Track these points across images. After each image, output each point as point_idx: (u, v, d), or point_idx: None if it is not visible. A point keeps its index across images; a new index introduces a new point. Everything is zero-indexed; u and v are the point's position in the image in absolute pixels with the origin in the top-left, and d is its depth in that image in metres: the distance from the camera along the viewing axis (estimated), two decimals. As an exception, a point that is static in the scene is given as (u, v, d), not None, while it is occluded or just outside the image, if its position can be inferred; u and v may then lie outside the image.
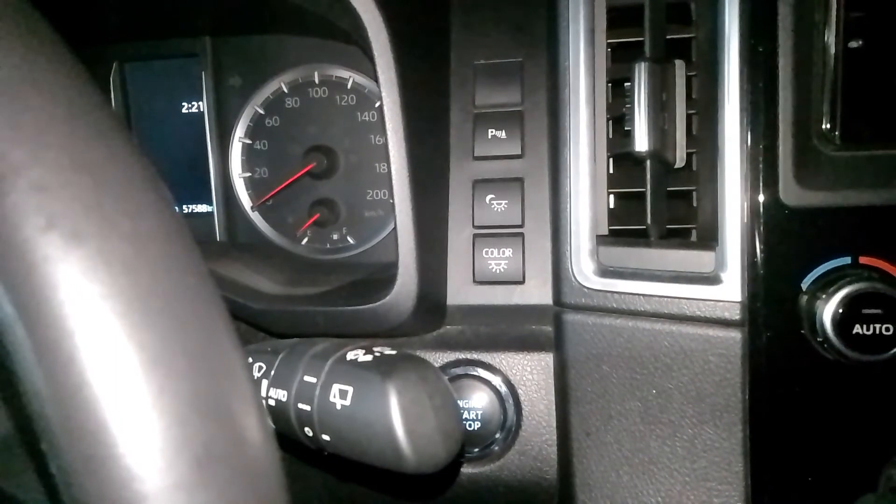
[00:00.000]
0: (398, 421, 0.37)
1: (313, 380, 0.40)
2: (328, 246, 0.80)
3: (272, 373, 0.43)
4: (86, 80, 0.24)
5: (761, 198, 0.53)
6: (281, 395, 0.42)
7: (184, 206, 0.84)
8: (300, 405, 0.41)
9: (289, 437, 0.44)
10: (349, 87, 0.77)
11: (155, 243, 0.23)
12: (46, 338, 0.20)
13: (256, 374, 0.44)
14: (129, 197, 0.23)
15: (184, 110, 0.82)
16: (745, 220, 0.54)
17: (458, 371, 0.67)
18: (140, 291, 0.22)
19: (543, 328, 0.67)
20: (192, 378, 0.22)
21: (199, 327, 0.23)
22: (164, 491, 0.20)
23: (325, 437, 0.40)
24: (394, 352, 0.42)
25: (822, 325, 0.52)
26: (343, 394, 0.39)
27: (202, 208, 0.83)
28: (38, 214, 0.20)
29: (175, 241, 0.24)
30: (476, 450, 0.66)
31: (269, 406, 0.43)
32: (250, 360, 0.46)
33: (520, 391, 0.67)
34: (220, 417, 0.22)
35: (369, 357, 0.40)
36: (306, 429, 0.41)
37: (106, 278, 0.21)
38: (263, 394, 0.43)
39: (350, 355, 0.41)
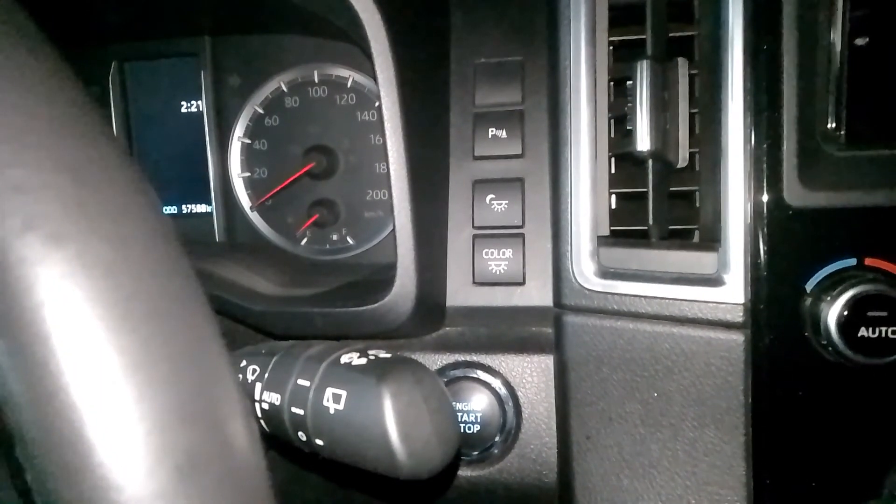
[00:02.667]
0: (393, 425, 0.36)
1: (307, 383, 0.40)
2: (328, 246, 0.79)
3: (266, 375, 0.43)
4: (69, 79, 0.24)
5: (765, 198, 0.53)
6: (274, 398, 0.41)
7: (183, 207, 0.83)
8: (294, 409, 0.40)
9: (283, 441, 0.43)
10: (349, 86, 0.77)
11: (138, 246, 0.22)
12: (21, 341, 0.19)
13: (250, 377, 0.44)
14: (111, 199, 0.22)
15: (183, 110, 0.82)
16: (749, 221, 0.53)
17: (458, 373, 0.67)
18: (121, 295, 0.21)
19: (544, 330, 0.66)
20: (174, 384, 0.21)
21: (183, 332, 0.22)
22: (143, 500, 0.19)
23: (319, 442, 0.40)
24: (389, 354, 0.41)
25: (827, 327, 0.51)
26: (337, 398, 0.38)
27: (201, 208, 0.83)
28: (14, 216, 0.20)
29: (159, 244, 0.23)
30: (475, 452, 0.66)
31: (262, 409, 0.42)
32: (244, 362, 0.45)
33: (519, 393, 0.66)
34: (203, 424, 0.22)
35: (364, 360, 0.40)
36: (300, 433, 0.41)
37: (85, 281, 0.20)
38: (257, 397, 0.43)
39: (344, 358, 0.40)
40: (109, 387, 0.20)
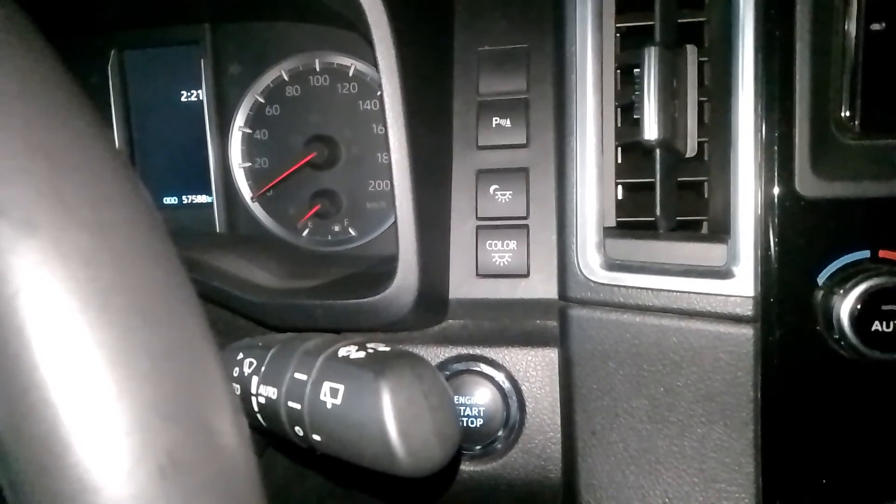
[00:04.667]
0: (391, 422, 0.35)
1: (304, 377, 0.39)
2: (329, 238, 0.78)
3: (262, 369, 0.42)
4: (47, 56, 0.22)
5: (776, 189, 0.51)
6: (271, 392, 0.40)
7: (183, 197, 0.82)
8: (290, 403, 0.39)
9: (280, 436, 0.42)
10: (351, 74, 0.75)
11: (119, 234, 0.21)
12: (-8, 336, 0.18)
13: (247, 371, 0.43)
14: (90, 184, 0.21)
15: (183, 99, 0.81)
16: (759, 212, 0.51)
17: (461, 367, 0.66)
18: (99, 286, 0.20)
19: (548, 323, 0.65)
20: (155, 380, 0.20)
21: (167, 325, 0.21)
22: (121, 503, 0.18)
23: (316, 438, 0.38)
24: (388, 348, 0.40)
25: (839, 321, 0.49)
26: (334, 392, 0.37)
27: (202, 199, 0.82)
28: (-16, 202, 0.19)
29: (142, 232, 0.22)
30: (478, 447, 0.65)
31: (259, 404, 0.41)
32: (241, 355, 0.44)
33: (523, 388, 0.65)
34: (187, 422, 0.21)
35: (362, 353, 0.39)
36: (297, 428, 0.39)
37: (61, 271, 0.19)
38: (254, 391, 0.42)
39: (342, 351, 0.39)
40: (86, 382, 0.19)
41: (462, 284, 0.67)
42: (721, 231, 0.55)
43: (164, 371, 0.20)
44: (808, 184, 0.51)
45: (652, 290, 0.55)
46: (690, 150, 0.58)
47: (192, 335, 0.22)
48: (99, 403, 0.19)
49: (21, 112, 0.20)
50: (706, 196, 0.58)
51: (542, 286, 0.65)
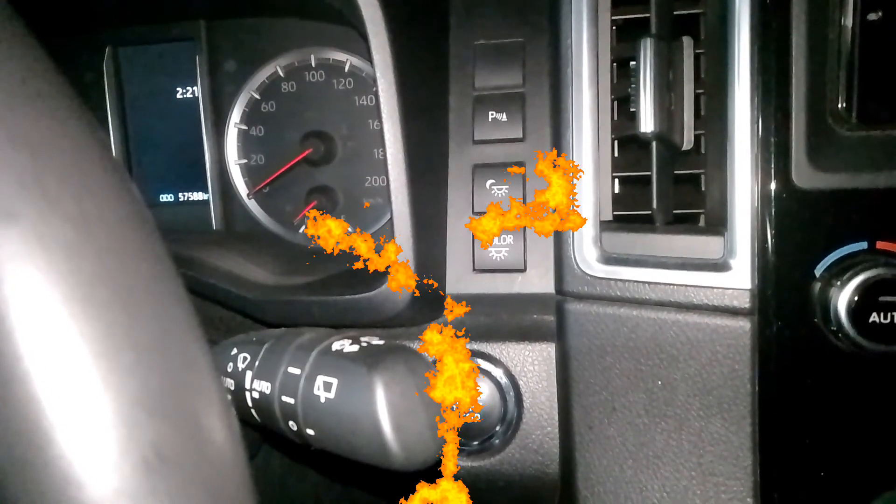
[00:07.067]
0: (385, 416, 0.35)
1: (297, 371, 0.39)
2: (326, 234, 0.78)
3: (256, 364, 0.41)
4: (32, 48, 0.22)
5: (773, 181, 0.51)
6: (265, 387, 0.40)
7: (179, 194, 0.82)
8: (284, 398, 0.39)
9: (275, 431, 0.42)
10: (346, 70, 0.75)
11: (104, 226, 0.21)
12: (-28, 328, 0.18)
13: (241, 366, 0.42)
14: (75, 176, 0.21)
15: (178, 96, 0.80)
16: (756, 205, 0.51)
17: (458, 362, 0.65)
18: (83, 277, 0.20)
19: (545, 318, 0.65)
20: (140, 373, 0.20)
21: (153, 318, 0.21)
22: (105, 499, 0.18)
23: (310, 432, 0.38)
24: (381, 342, 0.40)
25: (836, 313, 0.49)
26: (327, 386, 0.37)
27: (198, 196, 0.81)
28: (-35, 193, 0.19)
29: (128, 224, 0.22)
30: (475, 443, 0.65)
31: (252, 398, 0.41)
32: (235, 350, 0.44)
33: (521, 383, 0.65)
34: (173, 416, 0.20)
35: (355, 347, 0.38)
36: (290, 423, 0.39)
37: (43, 263, 0.19)
38: (247, 385, 0.41)
39: (336, 345, 0.39)
40: (70, 375, 0.19)
41: (459, 280, 0.67)
42: (718, 224, 0.54)
43: (149, 364, 0.20)
44: (804, 176, 0.51)
45: (649, 283, 0.55)
46: (687, 143, 0.58)
47: (178, 328, 0.22)
48: (82, 396, 0.19)
49: (3, 103, 0.20)
50: (703, 189, 0.58)
51: (539, 281, 0.65)
